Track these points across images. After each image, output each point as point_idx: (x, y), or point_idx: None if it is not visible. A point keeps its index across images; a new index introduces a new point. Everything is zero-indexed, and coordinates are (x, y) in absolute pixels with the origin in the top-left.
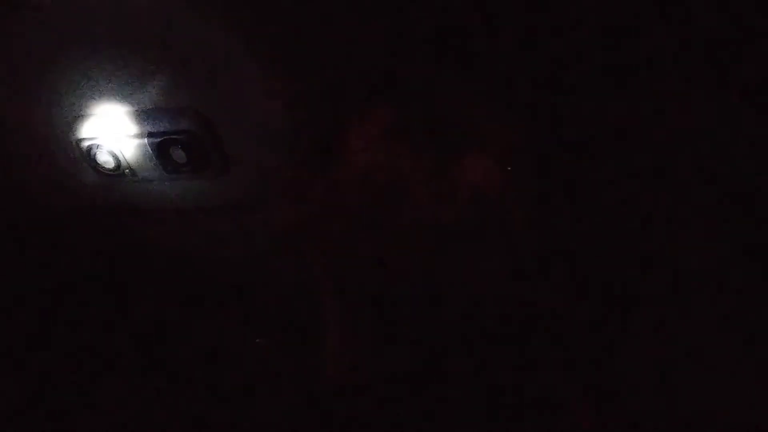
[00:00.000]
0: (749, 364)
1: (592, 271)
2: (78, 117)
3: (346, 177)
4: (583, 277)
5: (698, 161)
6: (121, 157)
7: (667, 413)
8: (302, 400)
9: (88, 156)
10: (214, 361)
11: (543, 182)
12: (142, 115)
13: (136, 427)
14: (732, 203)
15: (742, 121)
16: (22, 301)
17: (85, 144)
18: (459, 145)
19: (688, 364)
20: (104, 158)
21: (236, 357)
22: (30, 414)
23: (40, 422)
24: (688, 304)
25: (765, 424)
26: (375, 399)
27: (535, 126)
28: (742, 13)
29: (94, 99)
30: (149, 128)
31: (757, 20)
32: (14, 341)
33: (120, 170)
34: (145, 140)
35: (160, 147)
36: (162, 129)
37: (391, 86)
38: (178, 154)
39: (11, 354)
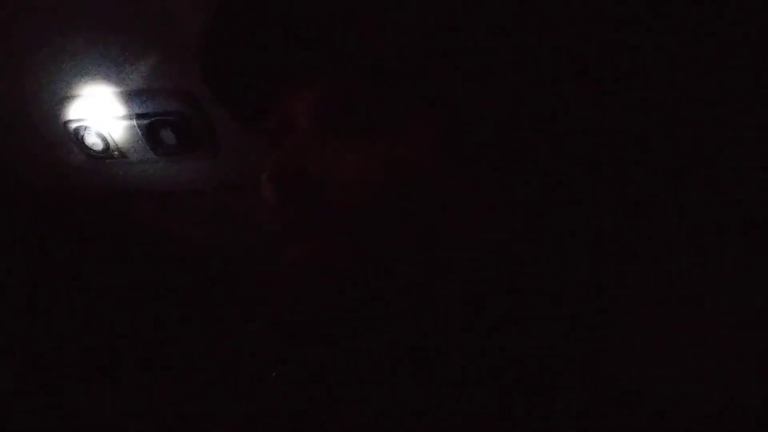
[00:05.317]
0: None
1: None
2: (66, 98)
3: (343, 150)
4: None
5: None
6: (109, 139)
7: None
8: (290, 386)
9: (76, 138)
10: (205, 343)
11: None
12: (131, 97)
13: (135, 407)
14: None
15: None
16: (8, 284)
17: (73, 126)
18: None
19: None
20: (92, 140)
21: (226, 338)
22: (19, 402)
23: (31, 410)
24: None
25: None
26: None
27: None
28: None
29: (83, 80)
30: (138, 110)
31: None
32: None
33: (109, 152)
34: (134, 122)
35: (150, 129)
36: (151, 110)
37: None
38: (168, 136)
39: None
